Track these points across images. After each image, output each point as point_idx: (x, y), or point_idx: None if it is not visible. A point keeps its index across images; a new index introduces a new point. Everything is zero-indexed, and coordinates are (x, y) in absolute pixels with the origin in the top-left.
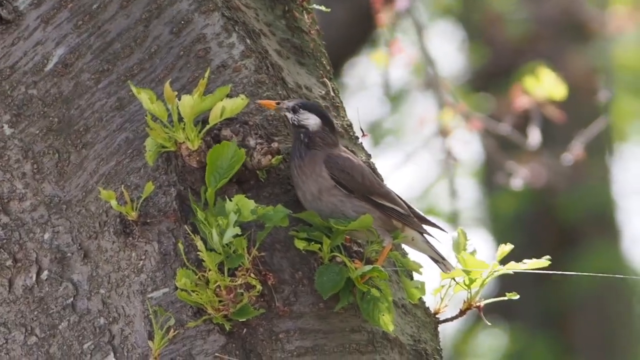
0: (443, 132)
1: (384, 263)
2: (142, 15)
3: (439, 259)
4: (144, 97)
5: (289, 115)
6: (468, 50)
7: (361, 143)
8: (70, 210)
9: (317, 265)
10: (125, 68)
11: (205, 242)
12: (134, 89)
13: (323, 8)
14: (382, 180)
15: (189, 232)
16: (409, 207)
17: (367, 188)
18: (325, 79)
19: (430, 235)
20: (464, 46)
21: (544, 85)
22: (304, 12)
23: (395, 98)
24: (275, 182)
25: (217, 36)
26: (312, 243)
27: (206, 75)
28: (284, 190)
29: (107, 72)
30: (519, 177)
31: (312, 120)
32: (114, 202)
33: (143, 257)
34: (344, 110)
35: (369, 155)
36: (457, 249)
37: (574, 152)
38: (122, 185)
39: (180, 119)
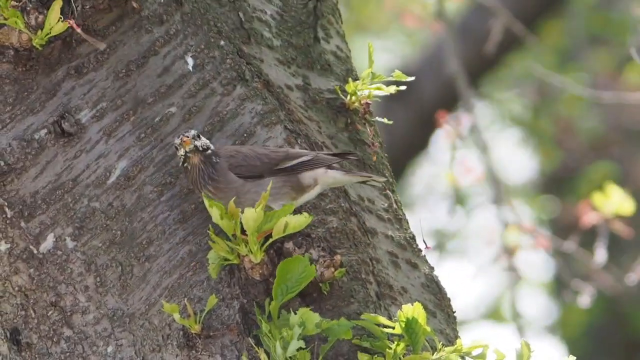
0: (508, 250)
1: None
2: (205, 128)
3: (365, 178)
4: (215, 211)
5: (197, 143)
6: (538, 155)
7: (424, 255)
8: (134, 324)
9: None
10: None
11: (268, 355)
12: (206, 202)
13: (385, 120)
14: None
15: (253, 344)
16: (316, 151)
17: (268, 165)
18: (387, 192)
19: (343, 160)
20: (533, 152)
21: (612, 201)
22: (366, 124)
23: (462, 204)
24: (338, 295)
25: (279, 147)
26: (376, 356)
27: (268, 188)
28: (347, 303)
29: (169, 184)
30: (586, 295)
31: (207, 140)
32: (177, 316)
33: None
34: (407, 223)
35: (432, 268)
36: None
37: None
38: (185, 298)
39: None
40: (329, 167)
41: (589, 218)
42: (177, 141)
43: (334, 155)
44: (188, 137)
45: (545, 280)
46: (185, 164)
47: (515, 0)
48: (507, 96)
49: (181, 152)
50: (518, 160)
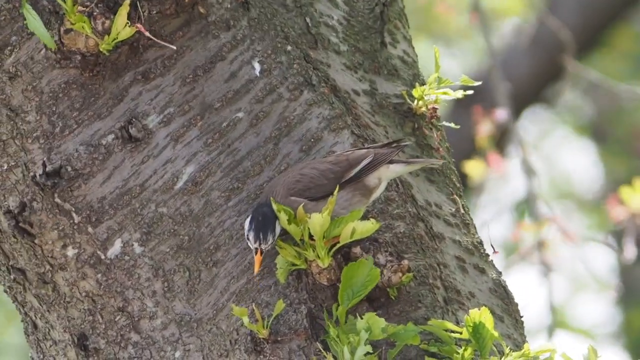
0: (540, 245)
1: None
2: (272, 133)
3: (424, 164)
4: (283, 216)
5: (266, 245)
6: (604, 163)
7: (492, 260)
8: (202, 329)
9: None
10: (255, 186)
11: (336, 359)
12: (274, 206)
13: (452, 125)
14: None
15: (320, 349)
16: (372, 145)
17: (335, 180)
18: (455, 197)
19: (400, 149)
20: (601, 159)
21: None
22: (433, 129)
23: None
24: (405, 300)
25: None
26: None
27: (335, 192)
28: (414, 308)
29: (237, 190)
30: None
31: (276, 225)
32: (246, 319)
33: None
34: (474, 228)
35: (499, 273)
36: None
37: None
38: (253, 303)
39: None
40: (390, 161)
41: (617, 213)
42: (252, 245)
43: (388, 145)
44: (263, 250)
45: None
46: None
47: (587, 6)
48: (576, 103)
49: (252, 246)
50: (585, 168)
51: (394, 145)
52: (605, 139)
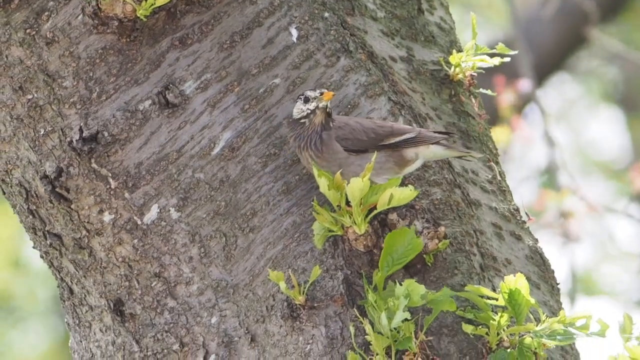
0: (563, 215)
1: None
2: None
3: (464, 154)
4: (323, 182)
5: (320, 104)
6: (630, 132)
7: (528, 227)
8: (238, 294)
9: (485, 350)
10: (292, 152)
11: (372, 325)
12: (315, 171)
13: (489, 92)
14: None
15: (357, 315)
16: (420, 125)
17: (374, 140)
18: (491, 163)
19: (446, 139)
20: (626, 127)
21: None
22: (471, 96)
23: (546, 182)
24: (442, 266)
25: (384, 120)
26: (480, 327)
27: (373, 159)
28: (450, 275)
29: (273, 156)
30: None
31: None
32: (282, 284)
33: (310, 341)
34: (511, 194)
35: (535, 240)
36: (623, 334)
37: None
38: (289, 269)
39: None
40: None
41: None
42: (314, 94)
43: (436, 132)
44: (331, 92)
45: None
46: (304, 120)
47: None
48: (600, 71)
49: (311, 105)
50: (610, 136)
51: (443, 133)
52: (633, 106)
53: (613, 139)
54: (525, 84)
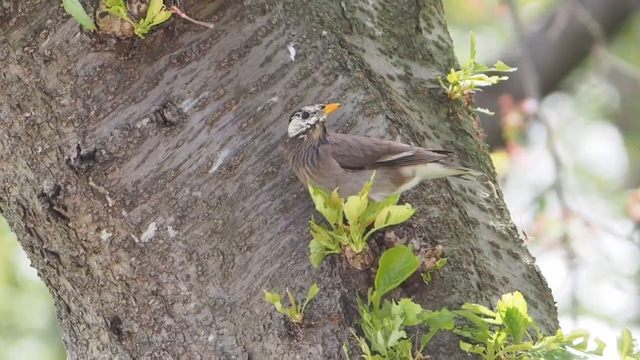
0: (564, 238)
1: None
2: None
3: (462, 172)
4: (319, 199)
5: (321, 118)
6: (627, 151)
7: (525, 246)
8: (235, 313)
9: None
10: (289, 170)
11: (369, 344)
12: (310, 189)
13: (486, 111)
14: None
15: (354, 334)
16: (418, 144)
17: (371, 158)
18: (489, 182)
19: (445, 158)
20: (624, 146)
21: None
22: (469, 114)
23: (542, 202)
24: (439, 285)
25: (381, 139)
26: (477, 345)
27: (372, 177)
28: (448, 293)
29: (271, 174)
30: None
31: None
32: (278, 305)
33: (307, 359)
34: (508, 213)
35: (533, 259)
36: (621, 350)
37: None
38: (287, 288)
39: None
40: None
41: (637, 211)
42: (314, 108)
43: (434, 151)
44: (332, 105)
45: (630, 273)
46: (303, 136)
47: None
48: (597, 89)
49: (311, 120)
50: (608, 155)
51: (442, 152)
52: (628, 126)
53: (610, 158)
54: (530, 104)
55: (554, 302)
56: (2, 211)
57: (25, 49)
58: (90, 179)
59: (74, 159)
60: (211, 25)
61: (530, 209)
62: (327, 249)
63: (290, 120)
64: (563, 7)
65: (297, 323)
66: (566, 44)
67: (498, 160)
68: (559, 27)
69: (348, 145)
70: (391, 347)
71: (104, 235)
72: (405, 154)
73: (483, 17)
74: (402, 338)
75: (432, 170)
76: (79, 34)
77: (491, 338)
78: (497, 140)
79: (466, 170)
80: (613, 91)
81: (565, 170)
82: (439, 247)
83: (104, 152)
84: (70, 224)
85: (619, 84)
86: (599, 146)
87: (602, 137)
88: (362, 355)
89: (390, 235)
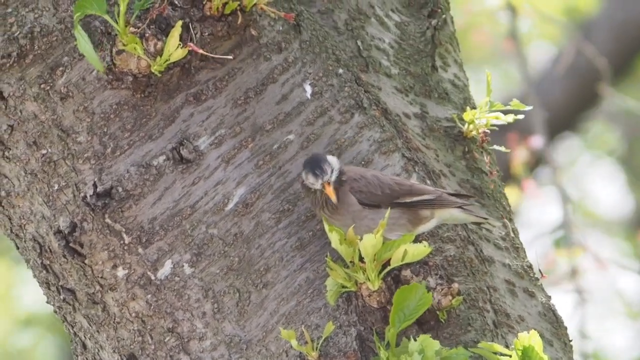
0: (573, 272)
1: None
2: None
3: (482, 220)
4: (335, 236)
5: (333, 178)
6: (631, 190)
7: (541, 284)
8: (251, 350)
9: None
10: (305, 208)
11: None
12: (326, 226)
13: (503, 149)
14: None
15: None
16: (441, 187)
17: (389, 197)
18: (505, 220)
19: (466, 204)
20: (627, 186)
21: None
22: (484, 153)
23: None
24: (455, 323)
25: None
26: None
27: (386, 215)
28: (464, 331)
29: (287, 212)
30: None
31: (337, 163)
32: (294, 342)
33: None
34: (524, 252)
35: (548, 297)
36: None
37: None
38: (303, 325)
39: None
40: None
41: None
42: (316, 184)
43: (456, 195)
44: (330, 182)
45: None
46: (316, 190)
47: (614, 38)
48: (602, 130)
49: (317, 186)
50: (614, 196)
51: (462, 195)
52: (634, 166)
53: (615, 197)
54: (537, 141)
55: (570, 341)
56: (18, 248)
57: (42, 86)
58: (106, 216)
59: (90, 196)
60: (231, 57)
61: (540, 245)
62: (344, 287)
63: (305, 171)
64: (570, 44)
65: None
66: (578, 82)
67: (510, 194)
68: (566, 61)
69: (367, 182)
70: None
71: (120, 272)
72: (426, 196)
73: (488, 55)
74: None
75: (451, 215)
76: (95, 71)
77: None
78: (504, 177)
79: (486, 219)
80: (619, 131)
81: (574, 206)
82: (455, 285)
83: (120, 189)
84: (86, 261)
85: (625, 124)
86: (604, 185)
87: (607, 176)
88: None
89: (407, 273)
